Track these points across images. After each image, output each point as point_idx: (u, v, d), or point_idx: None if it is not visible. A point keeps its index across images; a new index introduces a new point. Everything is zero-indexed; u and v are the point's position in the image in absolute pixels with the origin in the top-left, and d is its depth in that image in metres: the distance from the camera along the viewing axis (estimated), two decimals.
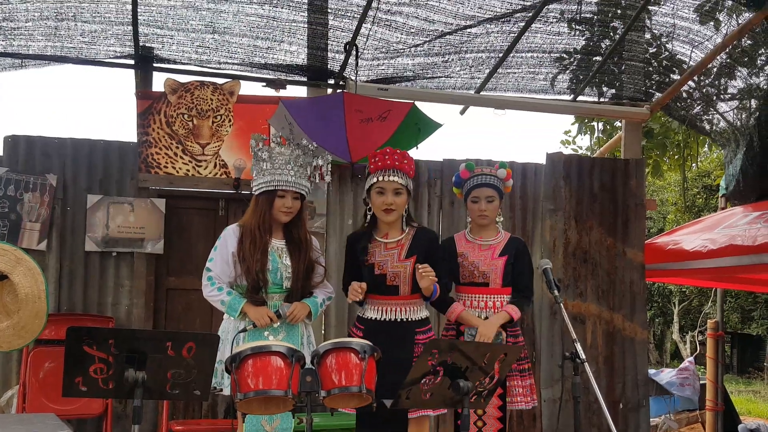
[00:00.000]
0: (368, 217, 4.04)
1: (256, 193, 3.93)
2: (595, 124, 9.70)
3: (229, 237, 3.91)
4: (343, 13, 5.54)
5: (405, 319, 3.97)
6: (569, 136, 10.77)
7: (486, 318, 4.14)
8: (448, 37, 5.90)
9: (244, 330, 3.76)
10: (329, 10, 5.57)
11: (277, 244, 3.94)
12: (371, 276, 3.95)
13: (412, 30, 5.75)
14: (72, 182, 5.49)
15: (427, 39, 5.86)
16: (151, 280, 5.56)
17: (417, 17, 5.63)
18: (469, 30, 5.82)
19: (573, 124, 10.12)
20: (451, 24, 5.72)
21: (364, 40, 5.68)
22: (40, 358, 5.03)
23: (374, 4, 5.37)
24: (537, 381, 6.12)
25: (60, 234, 5.43)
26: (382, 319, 3.96)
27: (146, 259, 5.54)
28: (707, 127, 7.07)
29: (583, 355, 3.73)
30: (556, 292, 3.91)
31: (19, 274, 3.53)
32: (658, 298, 23.58)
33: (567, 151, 10.68)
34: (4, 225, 5.27)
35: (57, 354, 4.85)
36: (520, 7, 5.64)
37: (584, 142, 12.14)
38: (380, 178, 3.90)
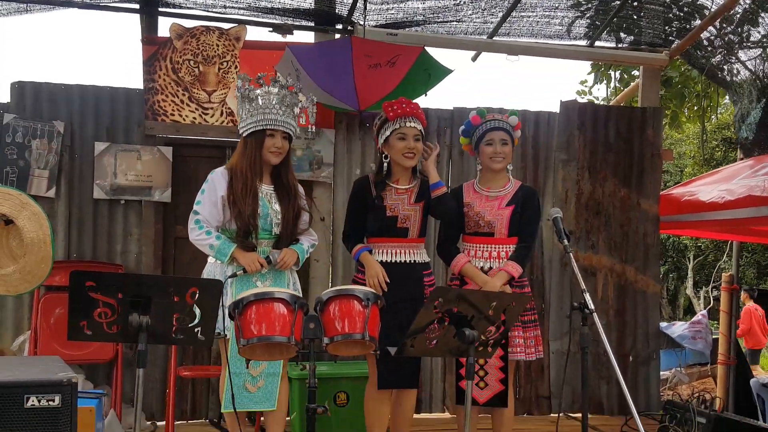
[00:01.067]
0: (385, 165, 4.11)
1: (245, 134, 3.89)
2: (612, 72, 9.55)
3: (217, 180, 3.86)
4: None
5: (413, 261, 4.12)
6: (585, 86, 10.63)
7: (490, 268, 4.15)
8: None
9: (234, 275, 3.75)
10: None
11: (266, 189, 3.92)
12: (383, 218, 4.06)
13: None
14: (79, 129, 5.48)
15: None
16: (159, 229, 5.58)
17: None
18: None
19: (589, 73, 9.98)
20: None
21: None
22: (50, 304, 5.09)
23: None
24: (545, 333, 6.14)
25: (68, 181, 5.44)
26: (392, 261, 4.08)
27: (154, 208, 5.55)
28: (727, 76, 6.94)
29: (591, 306, 3.71)
30: (565, 241, 3.88)
31: (24, 218, 3.54)
32: (673, 253, 23.51)
33: (583, 101, 10.53)
34: (13, 172, 5.28)
35: (67, 300, 4.88)
36: None
37: (600, 92, 11.97)
38: (402, 124, 4.02)
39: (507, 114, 4.30)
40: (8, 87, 5.38)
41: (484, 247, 4.19)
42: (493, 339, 3.51)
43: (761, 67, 6.37)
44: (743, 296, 10.34)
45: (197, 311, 3.15)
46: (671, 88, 9.02)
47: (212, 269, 3.89)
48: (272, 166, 3.94)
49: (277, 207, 3.91)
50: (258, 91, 3.88)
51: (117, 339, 3.16)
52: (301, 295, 3.65)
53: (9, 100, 5.38)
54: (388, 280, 3.99)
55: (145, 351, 3.07)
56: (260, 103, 3.86)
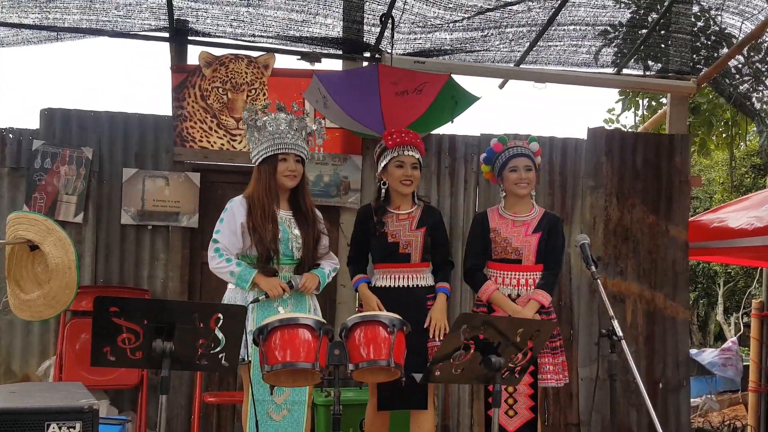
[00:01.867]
0: (383, 191, 4.21)
1: (258, 162, 3.90)
2: (640, 100, 9.44)
3: (236, 208, 3.88)
4: None
5: (416, 285, 4.17)
6: (613, 114, 10.51)
7: (518, 296, 4.14)
8: (488, 12, 5.76)
9: (256, 300, 3.73)
10: None
11: (285, 214, 3.92)
12: (385, 245, 4.14)
13: (450, 5, 5.63)
14: (108, 155, 5.51)
15: (466, 15, 5.74)
16: (186, 254, 5.57)
17: None
18: (510, 6, 5.68)
19: (617, 102, 9.87)
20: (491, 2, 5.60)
21: (401, 13, 5.58)
22: (76, 330, 5.08)
23: None
24: (574, 359, 6.02)
25: (96, 207, 5.46)
26: (394, 286, 4.15)
27: (181, 233, 5.55)
28: (757, 104, 6.83)
29: (620, 333, 3.62)
30: (593, 267, 3.81)
31: (50, 244, 3.54)
32: (703, 279, 23.09)
33: (610, 128, 10.42)
34: (41, 197, 5.31)
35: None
36: None
37: (628, 120, 11.85)
38: (400, 152, 4.13)
39: (527, 141, 4.31)
40: (38, 113, 5.43)
41: (512, 275, 4.17)
42: (520, 366, 3.43)
43: None
44: None
45: (221, 337, 3.11)
46: (699, 115, 8.89)
47: (233, 295, 3.87)
48: (289, 191, 3.95)
49: (296, 231, 3.90)
50: (265, 119, 3.89)
51: (141, 365, 3.13)
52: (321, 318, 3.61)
53: (39, 126, 5.43)
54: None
55: (168, 377, 3.03)
56: (269, 129, 3.87)
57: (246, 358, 3.71)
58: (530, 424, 4.09)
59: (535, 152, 4.25)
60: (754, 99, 6.84)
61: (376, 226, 4.16)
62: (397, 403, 4.09)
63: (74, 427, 2.62)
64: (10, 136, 5.39)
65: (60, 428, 2.61)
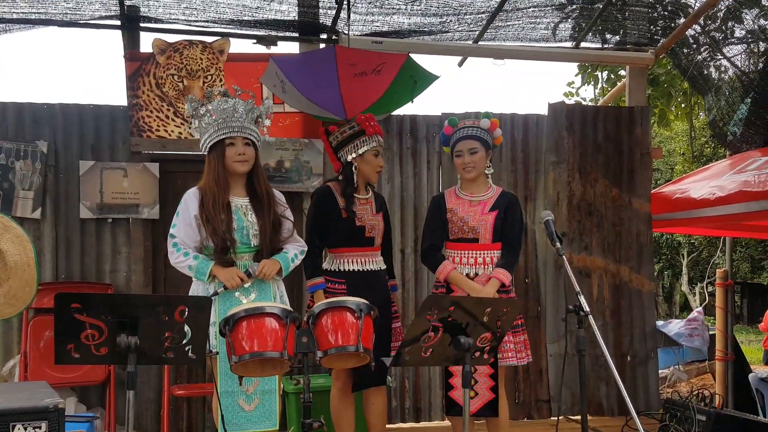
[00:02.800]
0: (355, 173, 4.21)
1: (206, 150, 3.85)
2: (598, 73, 9.52)
3: (189, 200, 3.82)
4: None
5: (379, 269, 4.25)
6: (572, 87, 10.59)
7: (476, 275, 4.14)
8: None
9: (215, 294, 3.67)
10: None
11: (240, 201, 3.85)
12: (352, 228, 4.14)
13: None
14: (63, 148, 5.43)
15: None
16: (148, 246, 5.52)
17: None
18: None
19: (576, 75, 9.95)
20: None
21: None
22: (40, 327, 5.02)
23: None
24: (542, 336, 6.10)
25: (54, 202, 5.38)
26: (363, 270, 4.17)
27: (142, 225, 5.50)
28: (714, 73, 6.91)
29: (587, 308, 3.67)
30: (558, 244, 3.85)
31: (7, 241, 3.48)
32: (667, 250, 23.51)
33: (570, 102, 10.51)
34: None
35: None
36: None
37: (588, 93, 11.97)
38: (378, 142, 4.23)
39: (478, 119, 4.29)
40: None
41: (469, 254, 4.17)
42: (488, 346, 3.46)
43: (747, 63, 6.35)
44: None
45: (187, 329, 3.09)
46: (658, 86, 9.00)
47: (197, 288, 3.82)
48: (244, 176, 3.87)
49: (252, 218, 3.82)
50: (209, 107, 3.83)
51: (106, 361, 3.09)
52: (288, 305, 3.59)
53: None
54: None
55: (135, 372, 3.00)
56: (214, 117, 3.81)
57: (212, 350, 3.68)
58: (491, 404, 4.13)
59: (489, 128, 4.21)
60: (711, 68, 6.91)
61: (344, 209, 4.14)
62: (367, 382, 4.15)
63: (40, 427, 2.59)
64: None
65: (26, 429, 2.58)
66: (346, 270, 4.16)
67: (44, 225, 5.33)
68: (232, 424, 3.70)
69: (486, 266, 4.15)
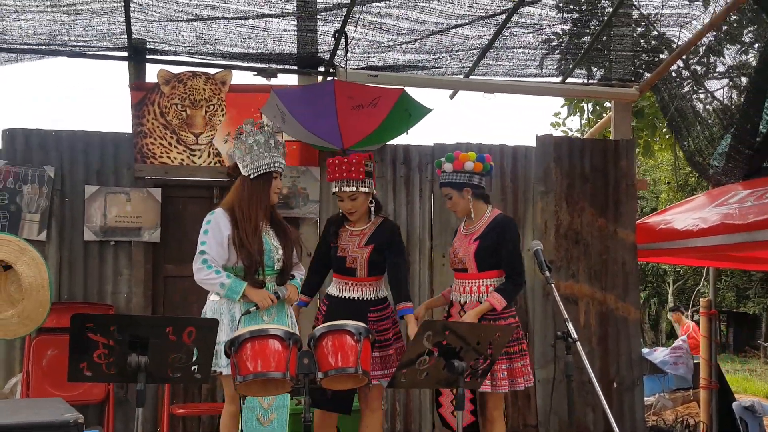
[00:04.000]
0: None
1: (253, 176, 4.00)
2: (585, 105, 9.77)
3: (221, 220, 3.96)
4: (333, 3, 5.62)
5: (360, 298, 4.36)
6: (559, 117, 10.82)
7: (465, 303, 4.36)
8: (438, 36, 5.98)
9: (248, 312, 3.84)
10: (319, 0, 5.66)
11: (265, 227, 4.06)
12: (335, 257, 4.40)
13: (403, 31, 5.88)
14: (69, 174, 5.59)
15: (418, 37, 5.95)
16: (149, 268, 5.66)
17: (407, 18, 5.75)
18: (460, 31, 5.91)
19: (563, 106, 10.19)
20: (442, 23, 5.83)
21: (354, 27, 5.76)
22: (42, 346, 5.14)
23: None
24: (531, 361, 6.24)
25: (59, 224, 5.53)
26: (342, 296, 4.37)
27: (144, 248, 5.65)
28: (699, 105, 7.12)
29: (574, 335, 3.85)
30: (547, 273, 4.03)
31: (23, 264, 3.63)
32: (653, 278, 23.72)
33: (557, 133, 10.75)
34: (5, 216, 5.36)
35: (59, 342, 4.96)
36: (509, 4, 5.72)
37: (574, 123, 12.22)
38: (338, 188, 4.33)
39: (445, 161, 4.46)
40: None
41: (463, 282, 4.41)
42: (481, 369, 3.63)
43: (728, 97, 6.59)
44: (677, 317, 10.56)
45: (194, 349, 3.25)
46: (643, 118, 9.24)
47: (217, 306, 3.94)
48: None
49: (276, 243, 4.05)
50: (260, 136, 4.02)
51: (116, 379, 3.25)
52: (297, 328, 3.78)
53: (0, 147, 5.47)
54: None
55: (144, 390, 3.16)
56: (263, 146, 4.00)
57: (217, 370, 3.82)
58: (470, 427, 4.34)
59: (452, 169, 4.36)
60: (694, 101, 7.13)
61: (331, 237, 4.43)
62: (325, 404, 4.25)
63: None
64: None
65: None
66: (331, 294, 4.42)
67: (49, 247, 5.47)
68: None
69: (473, 294, 4.32)
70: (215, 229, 3.94)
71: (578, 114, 10.21)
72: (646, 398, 6.98)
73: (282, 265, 4.05)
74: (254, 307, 3.87)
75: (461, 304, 4.35)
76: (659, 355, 7.03)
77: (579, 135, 9.99)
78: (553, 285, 4.00)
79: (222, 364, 3.75)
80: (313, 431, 3.28)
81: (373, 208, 4.39)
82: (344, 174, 4.28)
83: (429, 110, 5.54)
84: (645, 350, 7.31)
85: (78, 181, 5.58)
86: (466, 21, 5.87)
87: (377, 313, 4.37)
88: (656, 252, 6.57)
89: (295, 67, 6.13)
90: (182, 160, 5.74)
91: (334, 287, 4.42)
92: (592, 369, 6.24)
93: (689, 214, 6.21)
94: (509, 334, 3.75)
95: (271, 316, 3.98)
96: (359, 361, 3.36)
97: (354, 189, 4.27)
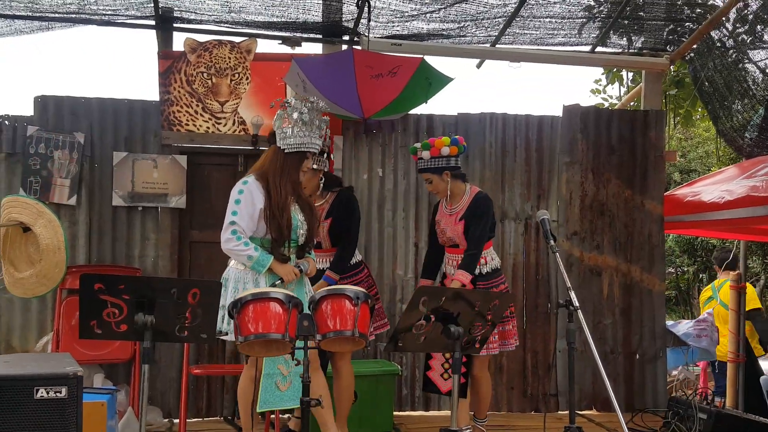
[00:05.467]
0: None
1: (288, 151, 4.08)
2: (624, 73, 9.62)
3: (255, 192, 4.01)
4: None
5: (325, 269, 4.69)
6: (600, 85, 10.68)
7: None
8: (463, 5, 5.97)
9: (274, 285, 3.97)
10: None
11: (291, 201, 4.16)
12: None
13: (426, 1, 5.88)
14: (99, 140, 5.77)
15: (442, 6, 5.95)
16: (175, 234, 5.84)
17: None
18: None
19: (603, 73, 10.05)
20: None
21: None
22: (72, 307, 5.34)
23: None
24: (552, 332, 6.28)
25: (89, 190, 5.73)
26: (319, 267, 4.61)
27: (170, 214, 5.82)
28: (756, 71, 6.92)
29: (576, 303, 3.88)
30: (552, 242, 4.08)
31: (41, 226, 3.80)
32: (702, 253, 23.27)
33: (597, 100, 10.64)
34: (36, 181, 5.58)
35: None
36: None
37: (614, 91, 12.03)
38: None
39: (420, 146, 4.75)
40: (32, 101, 5.69)
41: (455, 257, 4.76)
42: (480, 335, 3.70)
43: (763, 69, 6.44)
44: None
45: (199, 310, 3.39)
46: (683, 88, 9.07)
47: (242, 275, 4.05)
48: None
49: (301, 218, 4.17)
50: (305, 113, 4.09)
51: (125, 337, 3.40)
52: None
53: (32, 114, 5.68)
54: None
55: (150, 348, 3.30)
56: (305, 123, 4.08)
57: (221, 330, 3.96)
58: (461, 387, 4.56)
59: (429, 156, 4.66)
60: (733, 70, 6.96)
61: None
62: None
63: (60, 392, 2.91)
64: (6, 123, 5.64)
65: (48, 392, 2.90)
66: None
67: (79, 211, 5.68)
68: (267, 403, 4.03)
69: None
70: (248, 201, 4.00)
71: (618, 82, 10.06)
72: (670, 370, 6.97)
73: (304, 240, 4.17)
74: (279, 281, 4.00)
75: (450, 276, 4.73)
76: (683, 327, 6.97)
77: (618, 103, 9.85)
78: (557, 254, 4.04)
79: (228, 329, 3.89)
80: (308, 390, 3.38)
81: (322, 185, 4.68)
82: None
83: (450, 79, 5.57)
84: (669, 323, 7.26)
85: (107, 147, 5.76)
86: None
87: (350, 278, 4.62)
88: (683, 224, 6.52)
89: (320, 36, 6.19)
90: (208, 127, 5.88)
91: (317, 260, 4.60)
92: (615, 340, 6.36)
93: (717, 186, 6.13)
94: (509, 301, 3.81)
95: (293, 286, 4.09)
96: (357, 324, 3.46)
97: (308, 166, 4.41)
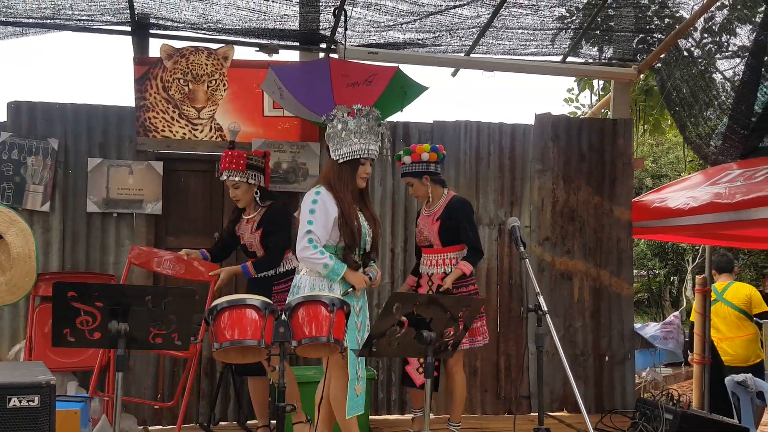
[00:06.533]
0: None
1: (342, 161, 4.16)
2: (596, 81, 9.70)
3: (328, 201, 4.10)
4: None
5: (264, 275, 4.90)
6: (572, 93, 10.77)
7: (433, 274, 5.00)
8: (438, 16, 6.01)
9: (346, 293, 4.02)
10: None
11: (356, 210, 4.23)
12: (241, 245, 5.04)
13: (402, 12, 5.92)
14: (73, 146, 5.70)
15: (417, 17, 5.98)
16: (150, 240, 5.78)
17: (406, 0, 5.78)
18: (459, 11, 5.93)
19: (575, 81, 10.13)
20: (440, 5, 5.86)
21: (351, 7, 5.79)
22: (45, 314, 5.23)
23: None
24: (524, 335, 6.30)
25: (63, 196, 5.65)
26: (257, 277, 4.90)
27: (146, 220, 5.76)
28: (721, 79, 7.00)
29: (544, 307, 3.91)
30: (521, 248, 4.12)
31: (12, 234, 3.75)
32: (672, 256, 23.51)
33: (570, 109, 10.73)
34: (9, 187, 5.49)
35: None
36: None
37: (587, 99, 12.13)
38: (224, 177, 4.92)
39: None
40: (5, 106, 5.62)
41: (429, 257, 5.07)
42: (452, 340, 3.70)
43: (724, 78, 6.54)
44: None
45: (173, 318, 3.35)
46: (652, 97, 9.17)
47: (317, 282, 4.09)
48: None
49: (367, 226, 4.25)
50: (353, 122, 4.15)
51: (98, 345, 3.37)
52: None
53: (5, 119, 5.60)
54: None
55: (124, 356, 3.27)
56: (354, 132, 4.14)
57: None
58: (434, 380, 4.67)
59: (410, 161, 4.96)
60: (696, 80, 7.03)
61: (233, 226, 5.07)
62: (249, 371, 4.83)
63: (33, 401, 2.86)
64: None
65: (20, 401, 2.85)
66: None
67: (53, 218, 5.60)
68: (352, 409, 4.10)
69: (438, 266, 4.99)
70: (322, 209, 4.07)
71: (589, 90, 10.14)
72: (644, 372, 7.03)
73: (370, 248, 4.27)
74: (351, 289, 4.07)
75: (429, 276, 4.99)
76: (650, 329, 7.05)
77: (589, 110, 9.92)
78: (527, 260, 4.07)
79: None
80: (283, 396, 3.37)
81: (258, 198, 4.91)
82: (227, 165, 4.86)
83: (425, 88, 5.58)
84: (637, 325, 7.34)
85: (81, 153, 5.69)
86: (465, 2, 5.87)
87: (281, 285, 4.83)
88: (650, 230, 6.59)
89: (297, 44, 6.18)
90: (184, 134, 5.84)
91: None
92: (585, 342, 6.40)
93: (683, 193, 6.21)
94: (478, 306, 3.82)
95: (359, 304, 4.20)
96: (332, 330, 3.45)
97: (236, 179, 4.84)
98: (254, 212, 4.96)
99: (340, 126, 4.15)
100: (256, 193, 4.92)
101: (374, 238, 4.28)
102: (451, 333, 3.65)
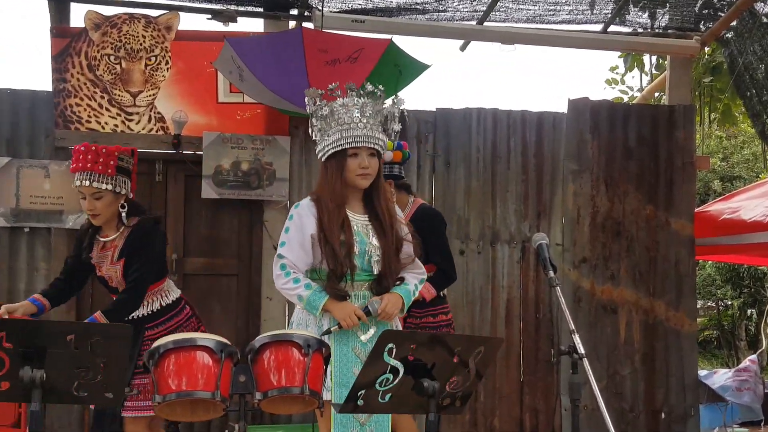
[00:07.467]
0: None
1: (324, 158, 4.04)
2: (646, 58, 9.77)
3: (305, 215, 4.00)
4: None
5: (134, 317, 4.46)
6: (616, 73, 10.82)
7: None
8: None
9: (328, 332, 3.90)
10: None
11: (360, 220, 4.06)
12: (98, 277, 4.51)
13: None
14: None
15: None
16: None
17: None
18: None
19: (620, 57, 10.21)
20: None
21: None
22: None
23: None
24: (556, 385, 6.36)
25: None
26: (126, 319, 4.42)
27: (67, 237, 5.79)
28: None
29: (581, 350, 3.95)
30: (551, 273, 4.13)
31: None
32: (749, 282, 23.51)
33: (615, 93, 10.79)
34: None
35: None
36: None
37: (636, 81, 12.19)
38: (78, 182, 4.30)
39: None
40: None
41: None
42: (461, 391, 3.76)
43: None
44: None
45: (101, 363, 3.40)
46: (720, 77, 9.24)
47: (303, 317, 4.06)
48: (362, 191, 4.09)
49: (375, 241, 4.04)
50: (335, 104, 4.04)
51: (8, 398, 3.40)
52: None
53: None
54: None
55: (39, 411, 3.30)
56: (337, 119, 4.01)
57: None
58: None
59: (392, 159, 4.99)
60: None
61: (85, 252, 4.47)
62: None
63: None
64: None
65: None
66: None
67: None
68: None
69: None
70: (296, 228, 4.00)
71: (638, 69, 10.20)
72: None
73: (382, 269, 4.04)
74: (336, 326, 3.92)
75: None
76: (720, 378, 7.09)
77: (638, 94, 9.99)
78: (558, 288, 4.11)
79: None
80: None
81: (124, 215, 4.41)
82: (88, 165, 4.29)
83: (426, 66, 5.65)
84: (703, 373, 7.40)
85: None
86: None
87: (158, 329, 4.46)
88: (719, 248, 6.67)
89: (261, 10, 6.24)
90: (116, 125, 5.91)
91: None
92: (635, 394, 6.47)
93: (761, 201, 6.28)
94: (496, 346, 3.86)
95: (370, 331, 4.02)
96: (306, 379, 3.50)
97: (102, 186, 4.29)
98: (115, 233, 4.46)
99: (313, 118, 4.04)
100: (123, 206, 4.41)
101: (387, 257, 4.04)
102: (459, 383, 3.71)
